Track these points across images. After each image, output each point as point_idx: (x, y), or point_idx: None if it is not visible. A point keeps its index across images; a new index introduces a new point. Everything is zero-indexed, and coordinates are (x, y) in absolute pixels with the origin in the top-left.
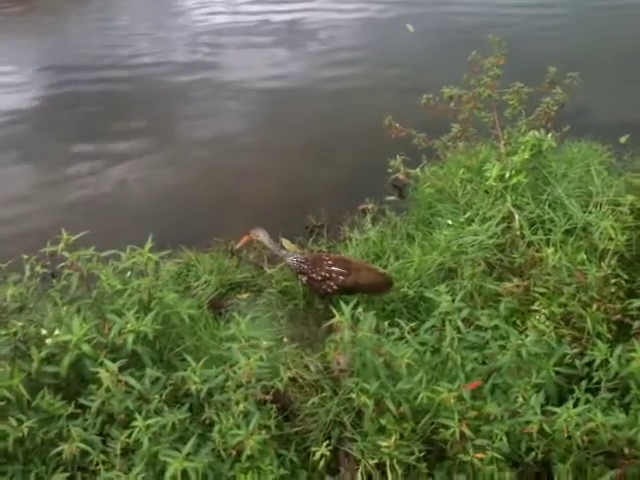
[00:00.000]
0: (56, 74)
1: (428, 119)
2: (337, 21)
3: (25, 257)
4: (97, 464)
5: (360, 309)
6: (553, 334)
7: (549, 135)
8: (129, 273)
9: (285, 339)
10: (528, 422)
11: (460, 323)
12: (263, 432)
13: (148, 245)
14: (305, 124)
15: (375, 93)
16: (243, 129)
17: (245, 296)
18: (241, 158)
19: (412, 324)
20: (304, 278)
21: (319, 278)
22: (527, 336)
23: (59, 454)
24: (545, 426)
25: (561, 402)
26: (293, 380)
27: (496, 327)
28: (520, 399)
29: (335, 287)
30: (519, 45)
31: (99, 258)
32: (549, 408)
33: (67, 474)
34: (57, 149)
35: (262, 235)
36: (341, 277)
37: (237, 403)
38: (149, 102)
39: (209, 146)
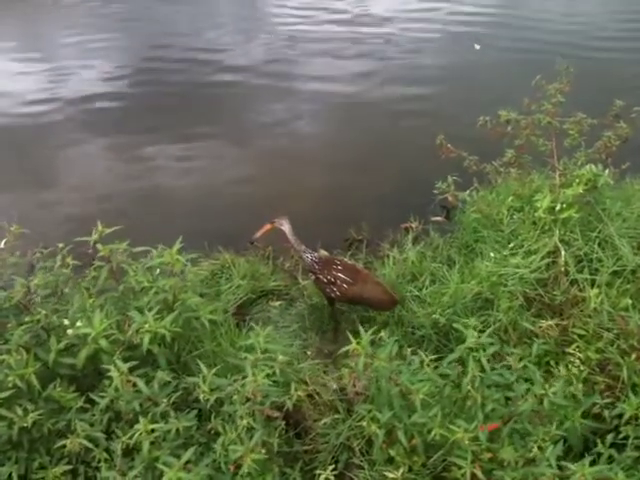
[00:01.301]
0: (140, 62)
1: (483, 141)
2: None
3: (60, 246)
4: (99, 461)
5: (383, 333)
6: (580, 386)
7: (607, 170)
8: (157, 271)
9: (309, 352)
10: (542, 474)
11: (484, 361)
12: (263, 450)
13: (177, 246)
14: (360, 137)
15: (435, 113)
16: (300, 136)
17: (277, 304)
18: (292, 164)
19: (433, 356)
20: (313, 277)
21: (325, 281)
22: (552, 385)
23: (64, 446)
24: None
25: (584, 454)
26: (310, 397)
27: (525, 367)
28: (535, 449)
29: (338, 294)
30: (590, 74)
31: (131, 253)
32: (565, 463)
33: (70, 467)
34: (131, 135)
35: (286, 225)
36: (345, 285)
37: (241, 418)
38: (225, 100)
39: (266, 149)
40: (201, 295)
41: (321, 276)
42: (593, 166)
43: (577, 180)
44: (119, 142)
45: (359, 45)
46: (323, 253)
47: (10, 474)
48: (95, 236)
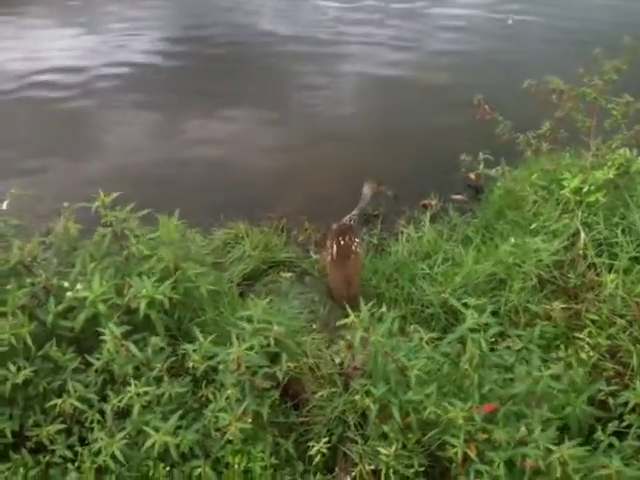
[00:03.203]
0: (182, 32)
1: (519, 114)
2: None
3: (65, 205)
4: (92, 422)
5: (384, 308)
6: (581, 370)
7: None
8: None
9: (315, 325)
10: (528, 455)
11: (483, 342)
12: (250, 420)
13: (175, 218)
14: (391, 112)
15: (471, 86)
16: (332, 111)
17: (288, 275)
18: (318, 137)
19: (435, 334)
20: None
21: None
22: (549, 367)
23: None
24: (541, 462)
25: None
26: (311, 369)
27: (526, 349)
28: (524, 430)
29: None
30: None
31: (142, 219)
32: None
33: (64, 426)
34: (170, 103)
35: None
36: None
37: (229, 387)
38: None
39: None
40: (207, 265)
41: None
42: (627, 150)
43: (609, 163)
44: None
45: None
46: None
47: (4, 430)
48: (98, 203)
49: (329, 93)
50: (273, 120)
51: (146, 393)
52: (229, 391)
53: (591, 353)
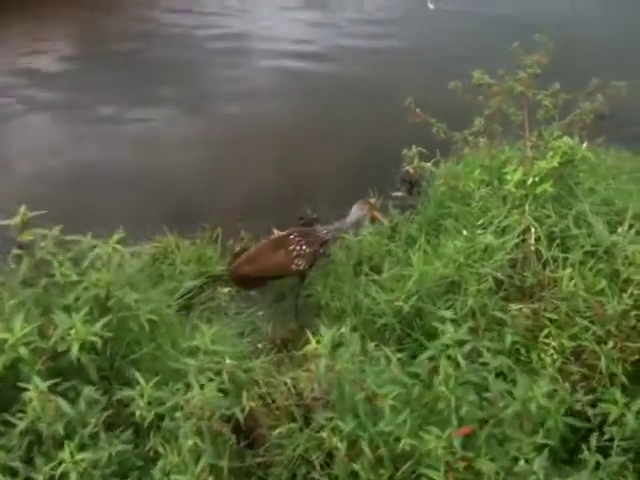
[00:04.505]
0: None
1: (451, 111)
2: None
3: None
4: None
5: (344, 328)
6: (567, 385)
7: (584, 144)
8: (86, 262)
9: (260, 345)
10: None
11: (461, 359)
12: (211, 478)
13: (117, 236)
14: (318, 107)
15: (400, 78)
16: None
17: (226, 290)
18: (248, 136)
19: (396, 347)
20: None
21: None
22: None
23: None
24: None
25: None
26: (262, 397)
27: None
28: (522, 461)
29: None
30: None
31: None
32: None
33: None
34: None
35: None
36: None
37: (186, 437)
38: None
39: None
40: (141, 289)
41: None
42: (569, 138)
43: (552, 153)
44: None
45: None
46: (278, 232)
47: None
48: (16, 219)
49: (249, 87)
50: (193, 117)
51: (82, 460)
52: (189, 442)
53: (555, 356)
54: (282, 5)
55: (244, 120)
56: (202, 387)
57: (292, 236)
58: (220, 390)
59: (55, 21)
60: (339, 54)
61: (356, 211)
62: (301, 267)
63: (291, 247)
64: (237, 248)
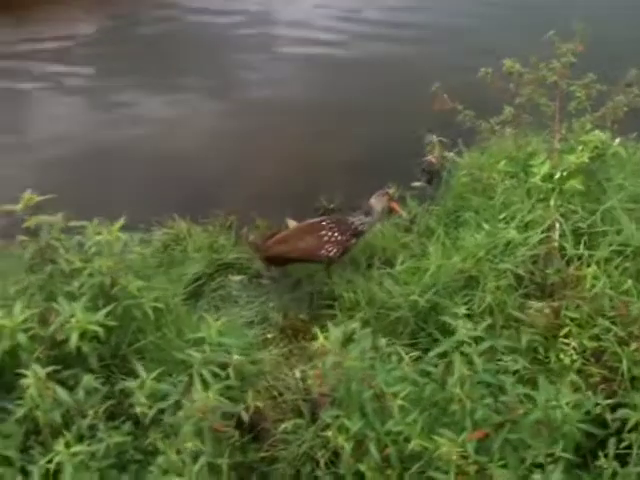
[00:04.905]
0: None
1: (477, 102)
2: None
3: None
4: None
5: (356, 324)
6: (591, 394)
7: (617, 139)
8: (92, 249)
9: (270, 335)
10: None
11: (477, 359)
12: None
13: (119, 223)
14: (337, 91)
15: (425, 66)
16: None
17: (237, 278)
18: (264, 121)
19: (413, 350)
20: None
21: None
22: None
23: None
24: None
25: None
26: (268, 390)
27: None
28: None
29: None
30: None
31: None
32: None
33: None
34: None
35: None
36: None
37: (186, 438)
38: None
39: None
40: (147, 276)
41: None
42: (601, 132)
43: (582, 146)
44: None
45: None
46: (292, 223)
47: None
48: (20, 205)
49: (270, 74)
50: (213, 104)
51: (78, 452)
52: (190, 443)
53: (574, 357)
54: None
55: (263, 107)
56: (206, 386)
57: (325, 222)
58: (225, 386)
59: (79, 4)
60: (361, 41)
61: (377, 202)
62: (330, 254)
63: (323, 232)
64: (252, 236)
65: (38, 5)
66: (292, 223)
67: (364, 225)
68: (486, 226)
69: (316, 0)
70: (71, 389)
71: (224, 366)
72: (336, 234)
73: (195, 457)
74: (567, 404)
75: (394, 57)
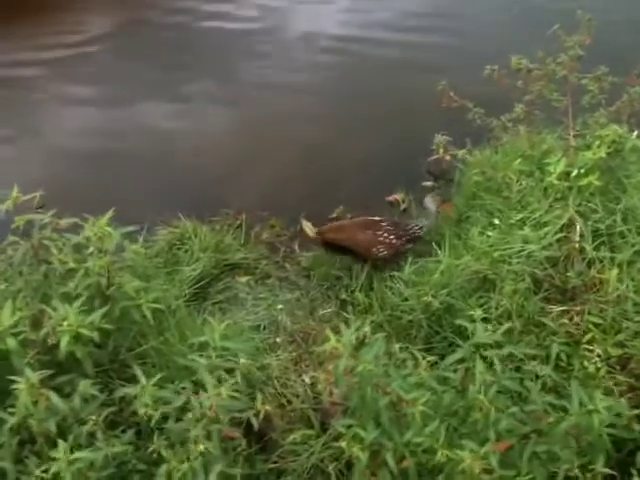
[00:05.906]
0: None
1: (486, 100)
2: None
3: None
4: None
5: (367, 328)
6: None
7: (635, 133)
8: (91, 249)
9: (279, 339)
10: None
11: (498, 365)
12: None
13: (107, 216)
14: (348, 91)
15: (431, 66)
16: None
17: (244, 279)
18: (273, 117)
19: (428, 356)
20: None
21: None
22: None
23: None
24: None
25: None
26: (276, 398)
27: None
28: None
29: None
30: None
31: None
32: None
33: None
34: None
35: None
36: None
37: (196, 442)
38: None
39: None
40: (146, 276)
41: None
42: (617, 127)
43: (598, 142)
44: None
45: None
46: (307, 224)
47: None
48: (7, 203)
49: (281, 68)
50: (222, 98)
51: (77, 460)
52: (200, 447)
53: (599, 364)
54: None
55: (274, 108)
56: (215, 387)
57: (384, 223)
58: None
59: (90, 10)
60: (369, 40)
61: (431, 205)
62: (379, 255)
63: (379, 232)
64: (265, 235)
65: (46, 11)
66: (307, 224)
67: (422, 230)
68: (502, 225)
69: (329, 6)
70: (67, 396)
71: (230, 372)
72: (392, 237)
73: (206, 465)
74: (605, 408)
75: (405, 60)
